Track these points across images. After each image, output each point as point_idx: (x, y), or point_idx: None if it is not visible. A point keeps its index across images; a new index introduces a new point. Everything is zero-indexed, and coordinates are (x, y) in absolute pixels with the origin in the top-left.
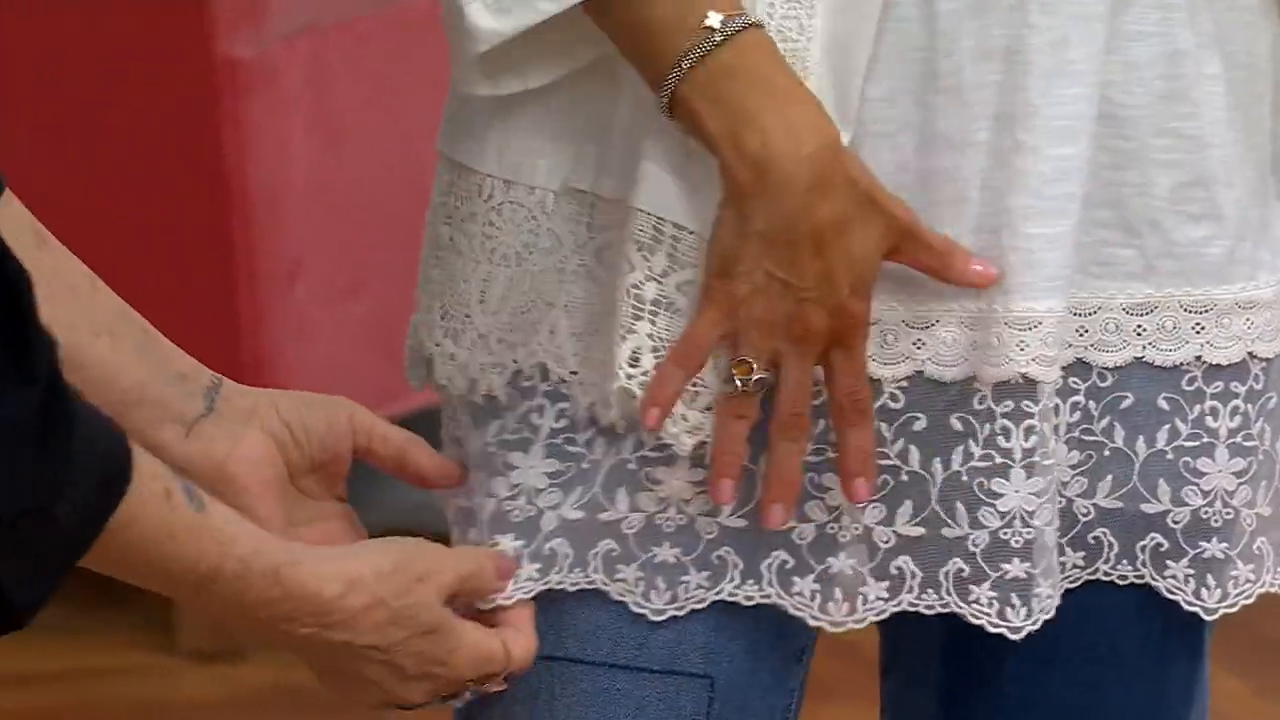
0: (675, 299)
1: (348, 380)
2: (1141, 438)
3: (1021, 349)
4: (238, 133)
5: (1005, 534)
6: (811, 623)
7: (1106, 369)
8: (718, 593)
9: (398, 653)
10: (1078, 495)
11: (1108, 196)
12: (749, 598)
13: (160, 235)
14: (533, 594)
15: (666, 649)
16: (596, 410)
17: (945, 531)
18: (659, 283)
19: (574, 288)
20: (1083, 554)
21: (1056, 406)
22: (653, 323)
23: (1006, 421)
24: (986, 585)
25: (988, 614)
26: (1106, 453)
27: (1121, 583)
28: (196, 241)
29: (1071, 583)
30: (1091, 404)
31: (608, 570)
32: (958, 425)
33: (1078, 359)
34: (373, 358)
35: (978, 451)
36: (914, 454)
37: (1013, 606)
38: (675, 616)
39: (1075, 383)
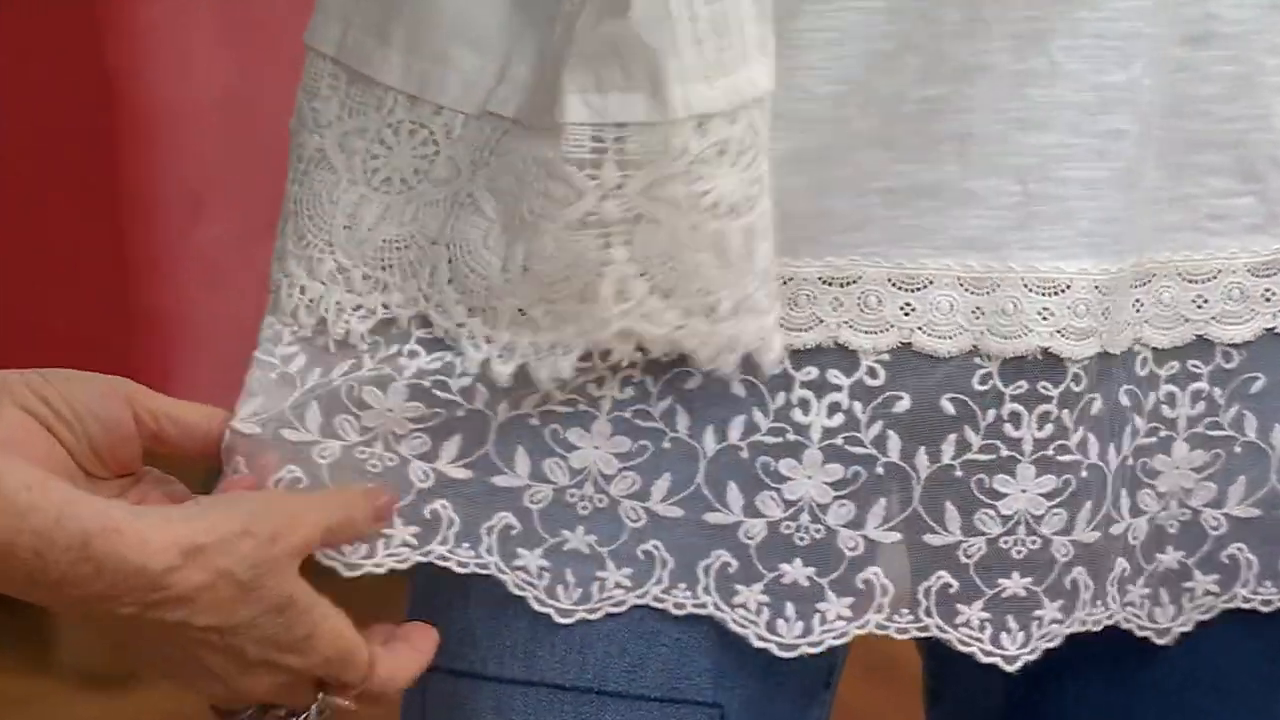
0: (644, 206)
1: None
2: (1279, 426)
3: (1044, 318)
4: (129, 38)
5: (1006, 542)
6: (756, 643)
7: (1232, 346)
8: (640, 595)
9: (241, 635)
10: (1205, 505)
11: (1216, 135)
12: (679, 605)
13: (33, 160)
14: (408, 564)
15: (666, 672)
16: (492, 367)
17: (929, 539)
18: (618, 197)
19: (463, 224)
20: (1216, 577)
21: (1172, 396)
22: (628, 243)
23: (1017, 406)
24: (979, 605)
25: (978, 639)
26: (1238, 449)
27: (1265, 609)
28: (77, 170)
29: (1204, 613)
30: (1216, 391)
31: (504, 553)
32: (950, 409)
33: (1198, 336)
34: None
35: (976, 441)
36: (893, 442)
37: (1008, 631)
38: (679, 636)
39: (1195, 366)
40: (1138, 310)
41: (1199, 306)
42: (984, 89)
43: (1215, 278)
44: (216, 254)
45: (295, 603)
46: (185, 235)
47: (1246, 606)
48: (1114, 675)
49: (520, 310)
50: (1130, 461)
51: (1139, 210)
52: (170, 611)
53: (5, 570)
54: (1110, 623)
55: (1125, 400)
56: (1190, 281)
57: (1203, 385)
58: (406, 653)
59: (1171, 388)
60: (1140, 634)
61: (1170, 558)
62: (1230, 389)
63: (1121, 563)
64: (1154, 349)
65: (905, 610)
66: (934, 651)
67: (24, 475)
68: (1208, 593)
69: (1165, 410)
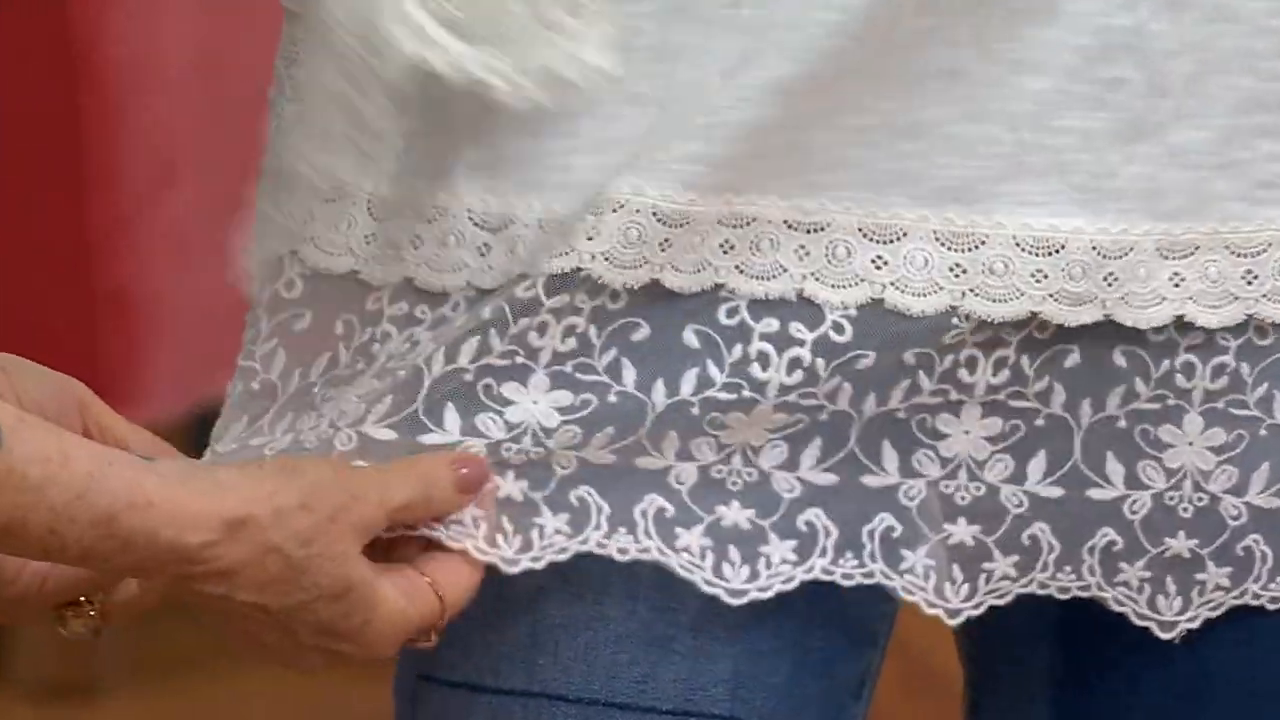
0: None
1: (238, 318)
2: None
3: (1037, 280)
4: None
5: (947, 486)
6: (705, 588)
7: (1271, 325)
8: (582, 541)
9: (293, 619)
10: (1225, 492)
11: (1267, 95)
12: (622, 550)
13: None
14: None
15: (679, 683)
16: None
17: (867, 480)
18: None
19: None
20: (1229, 570)
21: (1190, 366)
22: None
23: (974, 351)
24: (923, 551)
25: (921, 588)
26: (1263, 432)
27: (1273, 607)
28: (36, 135)
29: (1213, 609)
30: (1244, 367)
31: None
32: (911, 359)
33: (1248, 316)
34: None
35: (928, 385)
36: (844, 393)
37: (951, 581)
38: (694, 643)
39: (1224, 338)
40: (1177, 285)
41: (1248, 283)
42: (980, 24)
43: (1265, 251)
44: (187, 227)
45: (353, 588)
46: (153, 206)
47: (1255, 603)
48: (1167, 682)
49: None
50: (1123, 424)
51: (1160, 170)
52: (209, 585)
53: (18, 546)
54: (1086, 595)
55: (1121, 360)
56: (1239, 255)
57: (1228, 359)
58: (460, 567)
59: (1190, 357)
60: (1139, 622)
61: (1181, 544)
62: (1261, 367)
63: (1107, 532)
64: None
65: (850, 554)
66: (975, 660)
67: (43, 445)
68: (1219, 587)
69: (1180, 380)
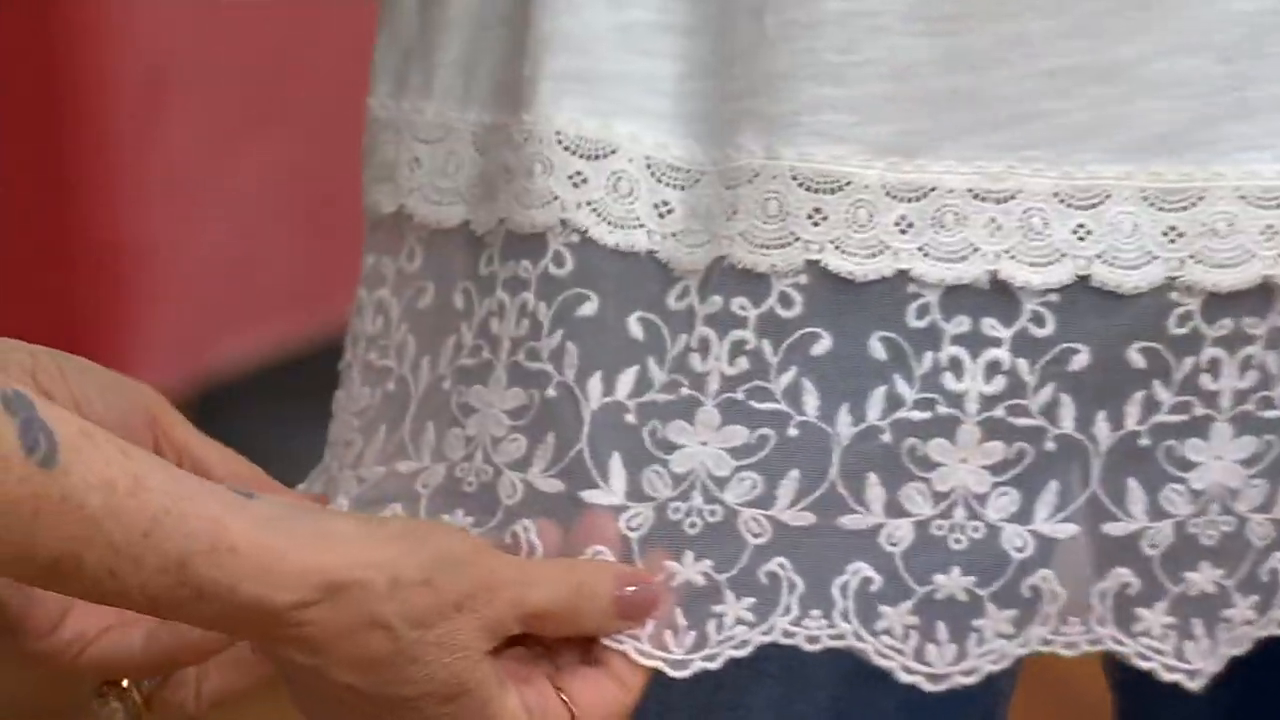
0: None
1: (245, 271)
2: None
3: (1268, 239)
4: None
5: (1195, 525)
6: (904, 677)
7: None
8: (766, 631)
9: (390, 711)
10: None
11: None
12: (813, 639)
13: None
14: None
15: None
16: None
17: (1109, 529)
18: None
19: None
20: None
21: (1215, 362)
22: None
23: (1218, 351)
24: (1162, 607)
25: (1159, 651)
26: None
27: None
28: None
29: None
30: (1271, 358)
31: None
32: (1140, 361)
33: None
34: (288, 233)
35: (1167, 398)
36: (1066, 408)
37: (1193, 639)
38: (790, 663)
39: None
40: None
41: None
42: None
43: None
44: (183, 165)
45: (469, 692)
46: (142, 140)
47: None
48: None
49: None
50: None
51: None
52: (298, 654)
53: (71, 586)
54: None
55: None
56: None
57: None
58: (607, 687)
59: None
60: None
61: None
62: None
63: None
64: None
65: (1074, 619)
66: (1126, 689)
67: (106, 468)
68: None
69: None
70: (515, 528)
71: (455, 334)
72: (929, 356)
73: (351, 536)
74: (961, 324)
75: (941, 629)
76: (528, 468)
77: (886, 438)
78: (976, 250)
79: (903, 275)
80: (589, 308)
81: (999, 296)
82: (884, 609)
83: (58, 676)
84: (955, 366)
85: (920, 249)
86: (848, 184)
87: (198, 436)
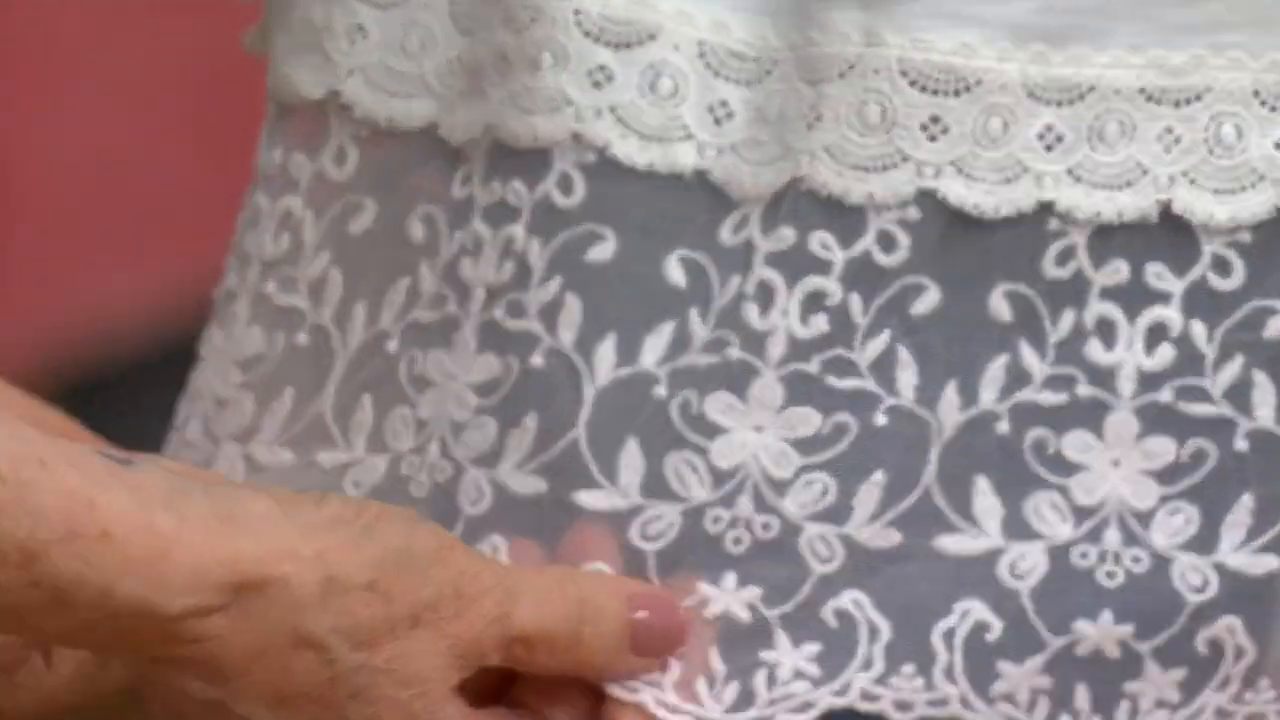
0: None
1: (136, 189)
2: None
3: None
4: None
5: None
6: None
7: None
8: (840, 690)
9: None
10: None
11: None
12: (904, 704)
13: None
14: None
15: None
16: None
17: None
18: None
19: None
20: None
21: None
22: None
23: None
24: None
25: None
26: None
27: None
28: None
29: None
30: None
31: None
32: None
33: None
34: (192, 135)
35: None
36: (1265, 392)
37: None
38: None
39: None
40: None
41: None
42: None
43: None
44: (42, 39)
45: None
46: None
47: None
48: None
49: None
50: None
51: None
52: (194, 681)
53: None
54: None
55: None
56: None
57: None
58: None
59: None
60: None
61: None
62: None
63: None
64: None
65: (1265, 682)
66: None
67: None
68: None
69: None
70: (480, 546)
71: (410, 276)
72: (1069, 316)
73: (270, 519)
74: (1116, 272)
75: (1082, 695)
76: (498, 462)
77: (1004, 427)
78: (1145, 173)
79: (1045, 208)
80: (603, 250)
81: (1170, 235)
82: (1004, 666)
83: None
84: (1105, 330)
85: (1070, 171)
86: (977, 83)
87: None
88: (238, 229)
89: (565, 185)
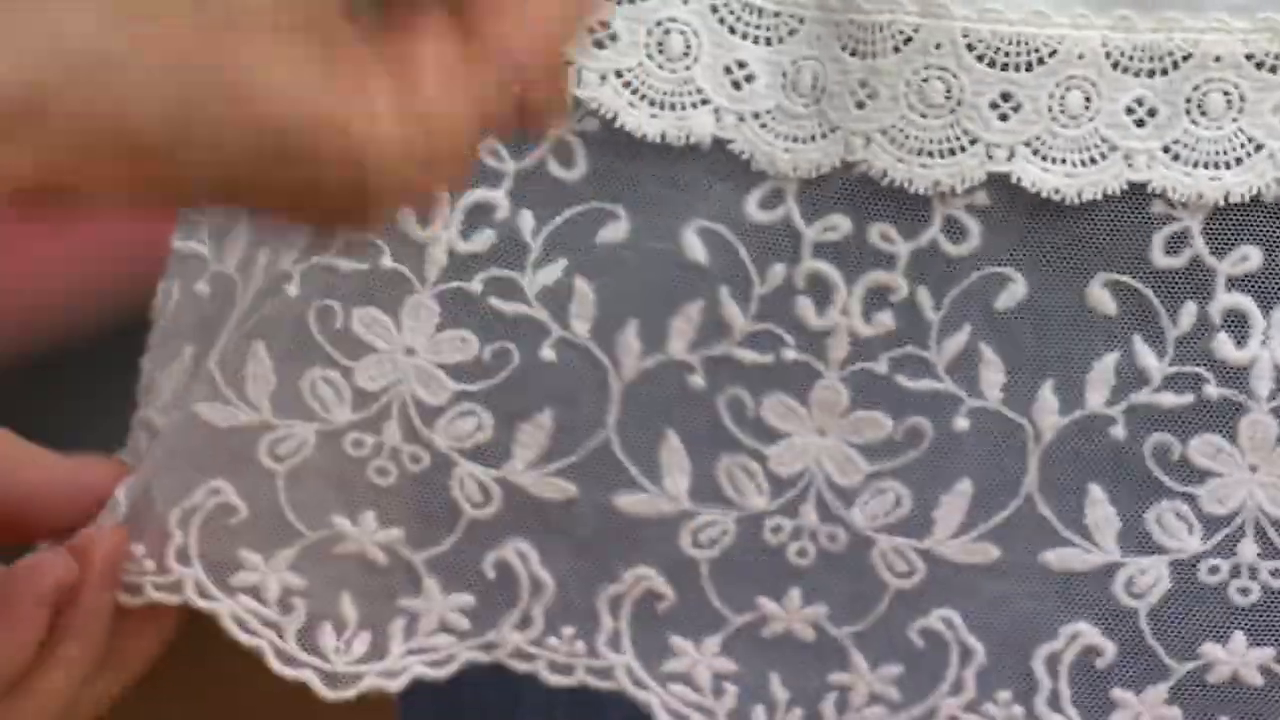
0: None
1: None
2: None
3: None
4: None
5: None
6: None
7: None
8: None
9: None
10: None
11: None
12: None
13: None
14: None
15: None
16: None
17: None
18: None
19: None
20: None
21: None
22: None
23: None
24: None
25: None
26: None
27: None
28: None
29: None
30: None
31: None
32: None
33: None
34: None
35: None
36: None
37: None
38: None
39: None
40: None
41: None
42: None
43: None
44: None
45: None
46: None
47: None
48: None
49: None
50: None
51: None
52: None
53: None
54: None
55: None
56: None
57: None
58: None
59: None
60: None
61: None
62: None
63: None
64: None
65: None
66: None
67: None
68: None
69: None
70: (502, 553)
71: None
72: (1190, 310)
73: None
74: (1244, 259)
75: None
76: (504, 461)
77: (1119, 432)
78: (1260, 149)
79: (1140, 191)
80: (615, 230)
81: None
82: (1122, 695)
83: None
84: (1236, 324)
85: (1167, 149)
86: (1052, 54)
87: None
88: None
89: (564, 157)
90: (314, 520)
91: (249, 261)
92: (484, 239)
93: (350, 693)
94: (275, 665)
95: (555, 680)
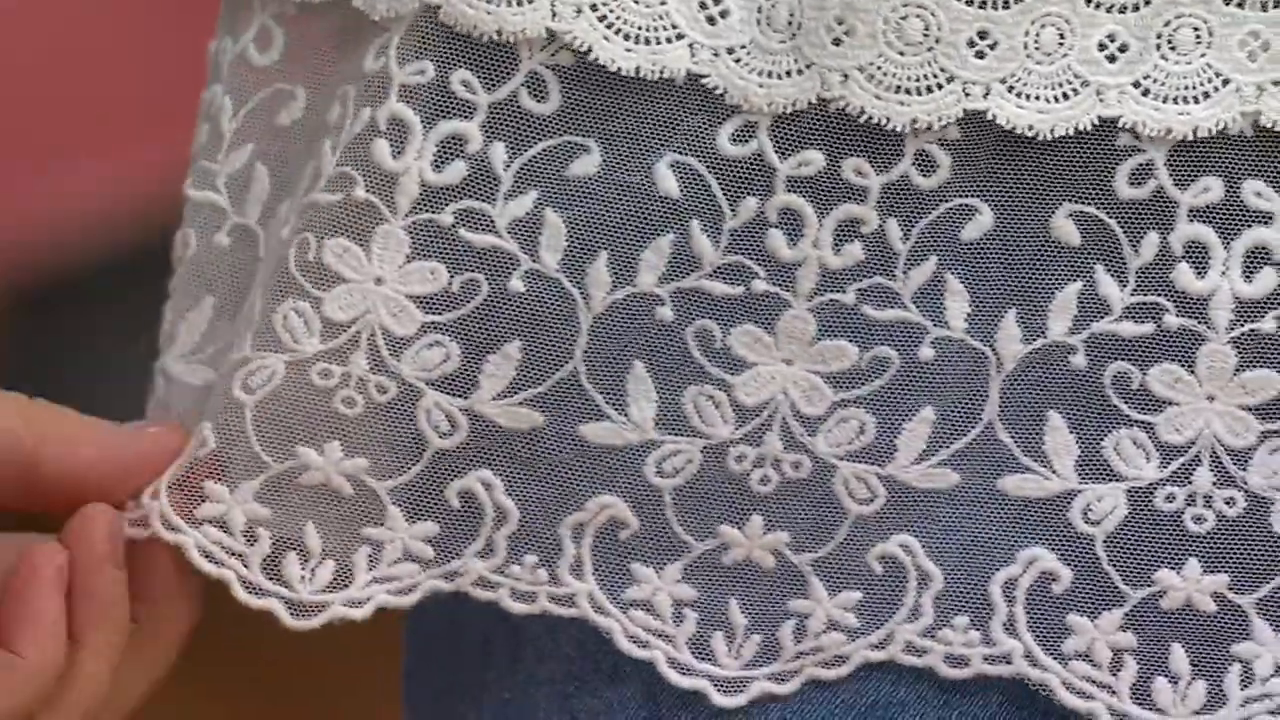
0: None
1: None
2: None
3: None
4: None
5: None
6: None
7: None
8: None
9: None
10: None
11: None
12: (956, 659)
13: None
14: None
15: None
16: None
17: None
18: None
19: None
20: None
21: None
22: None
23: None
24: None
25: None
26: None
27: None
28: None
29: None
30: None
31: None
32: None
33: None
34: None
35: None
36: None
37: None
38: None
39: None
40: None
41: None
42: None
43: None
44: None
45: None
46: None
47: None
48: None
49: None
50: None
51: None
52: None
53: None
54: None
55: None
56: None
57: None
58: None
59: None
60: None
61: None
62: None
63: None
64: None
65: None
66: None
67: None
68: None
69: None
70: (466, 482)
71: (315, 160)
72: (1152, 240)
73: None
74: (1205, 191)
75: (1179, 655)
76: (471, 390)
77: (1079, 360)
78: (1227, 83)
79: (1109, 125)
80: (587, 164)
81: (1265, 148)
82: (1077, 621)
83: None
84: (1196, 254)
85: (1137, 84)
86: None
87: (73, 419)
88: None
89: (537, 89)
90: (280, 452)
91: (269, 213)
92: (456, 171)
93: (315, 622)
94: (241, 595)
95: (518, 608)
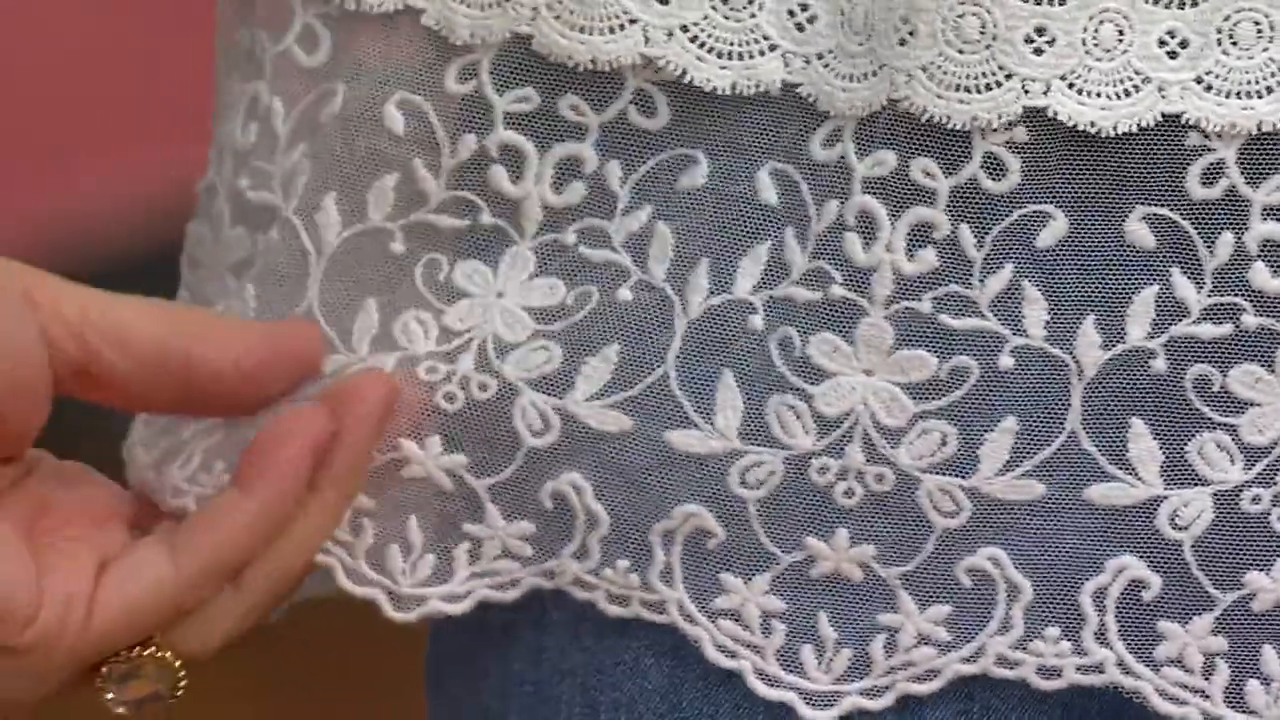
0: None
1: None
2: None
3: None
4: None
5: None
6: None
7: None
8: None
9: None
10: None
11: None
12: (1010, 661)
13: None
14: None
15: None
16: None
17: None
18: None
19: None
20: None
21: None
22: None
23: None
24: None
25: None
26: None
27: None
28: None
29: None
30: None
31: None
32: None
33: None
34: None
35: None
36: None
37: None
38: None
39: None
40: None
41: None
42: None
43: None
44: None
45: None
46: None
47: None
48: None
49: None
50: None
51: None
52: None
53: None
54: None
55: None
56: None
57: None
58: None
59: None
60: None
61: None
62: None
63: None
64: None
65: None
66: None
67: None
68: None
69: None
70: (557, 484)
71: (399, 173)
72: (1227, 241)
73: None
74: (1279, 189)
75: (1270, 657)
76: (566, 391)
77: (1160, 364)
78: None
79: (1177, 125)
80: (696, 175)
81: None
82: (1169, 627)
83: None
84: (1273, 253)
85: (1199, 80)
86: None
87: (105, 296)
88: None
89: (645, 105)
90: (383, 444)
91: (315, 207)
92: (575, 191)
93: (413, 615)
94: (346, 584)
95: (614, 611)
